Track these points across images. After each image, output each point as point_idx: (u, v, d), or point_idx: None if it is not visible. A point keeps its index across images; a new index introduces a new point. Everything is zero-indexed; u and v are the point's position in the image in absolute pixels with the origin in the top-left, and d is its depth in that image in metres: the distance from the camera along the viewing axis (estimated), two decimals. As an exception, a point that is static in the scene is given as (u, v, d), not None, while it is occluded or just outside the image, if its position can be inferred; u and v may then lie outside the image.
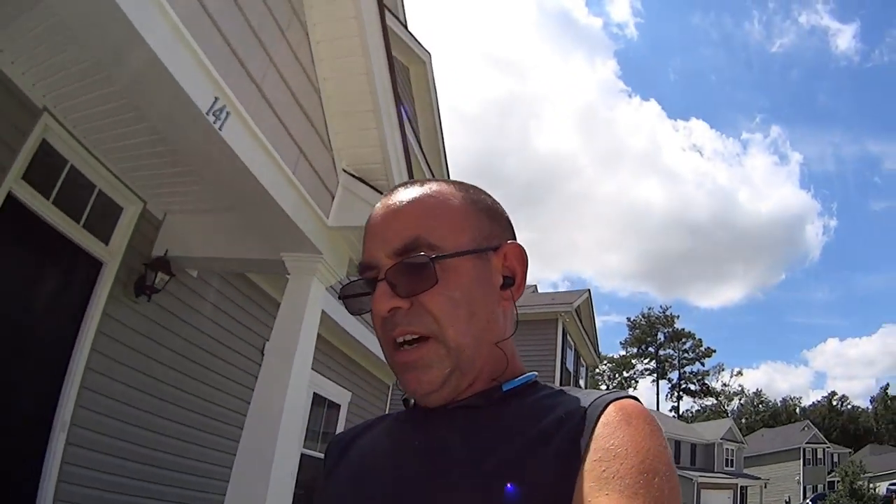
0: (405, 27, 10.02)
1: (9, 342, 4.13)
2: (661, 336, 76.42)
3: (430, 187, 0.87)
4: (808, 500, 40.36)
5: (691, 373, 77.85)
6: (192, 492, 5.74)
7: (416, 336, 0.79)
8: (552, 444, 0.70)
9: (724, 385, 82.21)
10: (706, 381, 78.56)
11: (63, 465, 4.47)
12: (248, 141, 3.38)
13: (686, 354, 75.81)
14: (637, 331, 77.69)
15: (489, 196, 0.93)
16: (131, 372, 5.06)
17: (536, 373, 0.89)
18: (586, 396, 0.76)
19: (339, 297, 0.92)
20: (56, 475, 4.41)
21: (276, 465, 3.69)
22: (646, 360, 77.56)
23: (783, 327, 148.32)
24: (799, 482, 53.58)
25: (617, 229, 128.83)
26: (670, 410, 74.91)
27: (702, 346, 75.09)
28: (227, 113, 3.19)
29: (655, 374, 77.43)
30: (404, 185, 0.89)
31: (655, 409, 65.78)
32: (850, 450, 61.57)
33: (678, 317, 76.94)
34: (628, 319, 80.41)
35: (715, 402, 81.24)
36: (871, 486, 40.12)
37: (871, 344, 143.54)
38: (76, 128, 4.34)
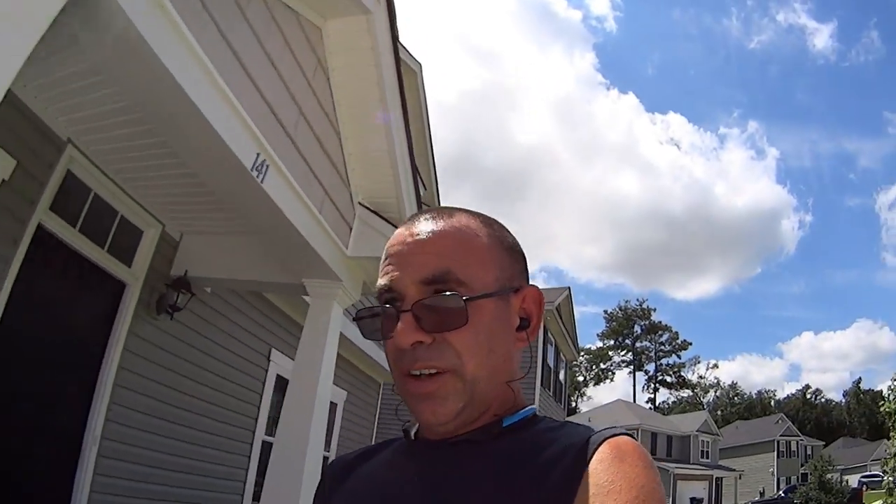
0: (397, 40, 10.37)
1: (42, 363, 4.46)
2: (637, 328, 77.63)
3: (459, 220, 0.87)
4: (781, 492, 41.31)
5: (667, 365, 79.29)
6: (213, 493, 6.21)
7: (435, 371, 0.79)
8: (547, 482, 0.71)
9: (700, 377, 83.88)
10: (682, 374, 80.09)
11: (95, 476, 4.84)
12: (284, 190, 3.77)
13: (662, 347, 77.15)
14: (614, 323, 78.81)
15: (510, 234, 0.95)
16: (155, 385, 5.44)
17: (536, 407, 0.91)
18: (582, 433, 0.78)
19: (355, 320, 0.91)
20: (89, 486, 4.78)
21: (306, 475, 4.12)
22: (622, 352, 78.81)
23: (759, 320, 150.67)
24: (773, 474, 55.08)
25: (594, 221, 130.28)
26: (647, 402, 76.37)
27: (678, 338, 76.47)
28: (267, 166, 3.56)
29: (632, 366, 78.72)
30: (428, 213, 0.90)
31: (632, 400, 66.92)
32: (822, 442, 63.38)
33: (654, 309, 78.22)
34: (605, 312, 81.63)
35: (691, 394, 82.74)
36: (844, 478, 41.33)
37: (845, 338, 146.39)
38: (99, 158, 4.65)
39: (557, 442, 0.77)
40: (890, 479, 20.23)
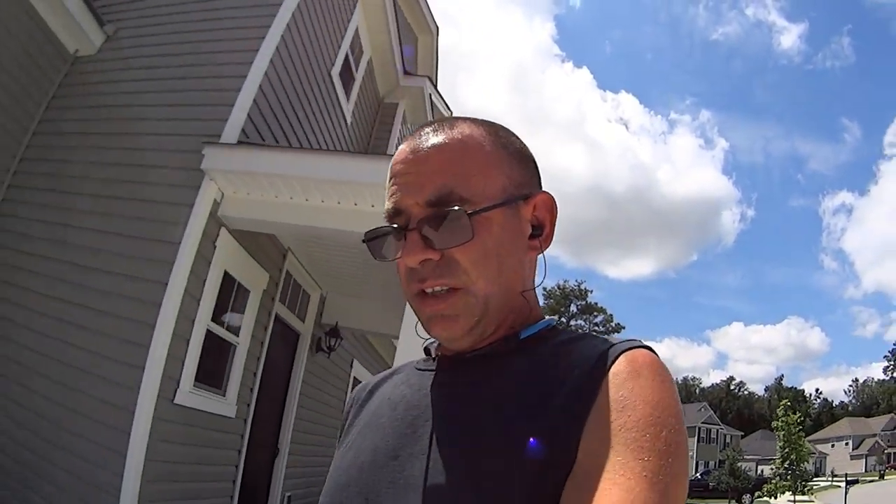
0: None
1: (263, 396, 6.79)
2: (573, 308, 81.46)
3: (461, 131, 0.87)
4: (698, 474, 45.75)
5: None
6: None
7: (445, 287, 0.81)
8: (561, 394, 0.73)
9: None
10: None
11: (285, 479, 7.30)
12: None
13: (596, 328, 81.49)
14: (551, 300, 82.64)
15: (518, 138, 0.94)
16: (317, 404, 8.00)
17: (555, 319, 0.93)
18: (600, 345, 0.78)
19: (364, 241, 0.91)
20: (282, 482, 7.23)
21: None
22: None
23: (690, 306, 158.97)
24: (692, 457, 60.50)
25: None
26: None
27: (612, 321, 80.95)
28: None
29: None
30: (432, 125, 0.89)
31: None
32: (741, 433, 69.67)
33: (591, 291, 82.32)
34: (544, 289, 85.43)
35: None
36: (759, 468, 46.37)
37: (774, 333, 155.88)
38: (301, 256, 7.03)
39: (574, 355, 0.78)
40: (778, 475, 25.34)
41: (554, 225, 0.93)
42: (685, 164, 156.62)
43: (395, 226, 0.84)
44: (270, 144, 5.78)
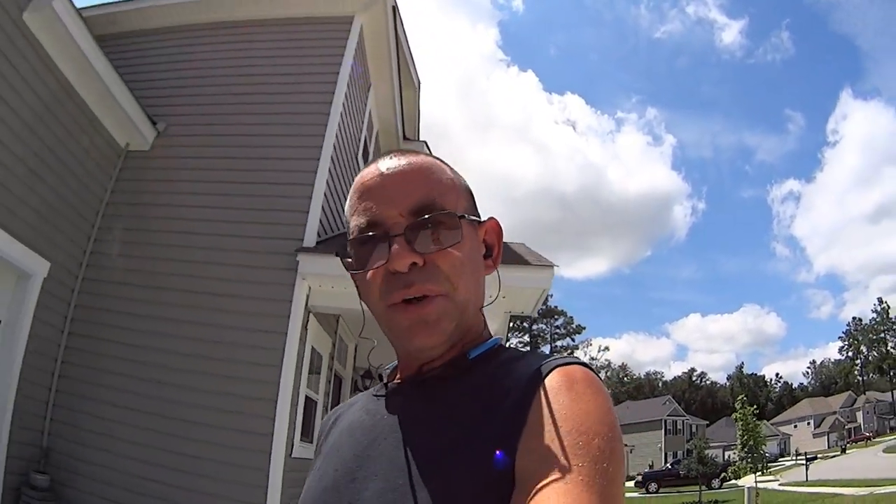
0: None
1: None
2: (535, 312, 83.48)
3: (425, 158, 0.96)
4: (668, 465, 47.63)
5: (562, 347, 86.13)
6: None
7: (426, 294, 0.86)
8: (500, 412, 0.78)
9: (593, 359, 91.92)
10: (575, 356, 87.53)
11: None
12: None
13: (558, 330, 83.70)
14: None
15: (462, 176, 1.03)
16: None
17: (501, 338, 1.00)
18: (534, 363, 0.83)
19: (338, 254, 0.97)
20: None
21: None
22: (519, 334, 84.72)
23: (647, 301, 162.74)
24: (661, 449, 63.44)
25: (485, 197, 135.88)
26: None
27: (573, 323, 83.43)
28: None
29: (528, 347, 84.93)
30: (392, 153, 0.96)
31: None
32: (706, 422, 72.68)
33: (552, 295, 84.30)
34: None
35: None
36: (726, 454, 48.81)
37: (732, 321, 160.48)
38: (348, 320, 8.35)
39: (514, 373, 0.83)
40: (740, 458, 28.17)
41: (501, 247, 1.02)
42: (634, 162, 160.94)
43: (376, 234, 0.88)
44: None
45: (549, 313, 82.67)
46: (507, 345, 1.05)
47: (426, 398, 0.89)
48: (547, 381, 0.78)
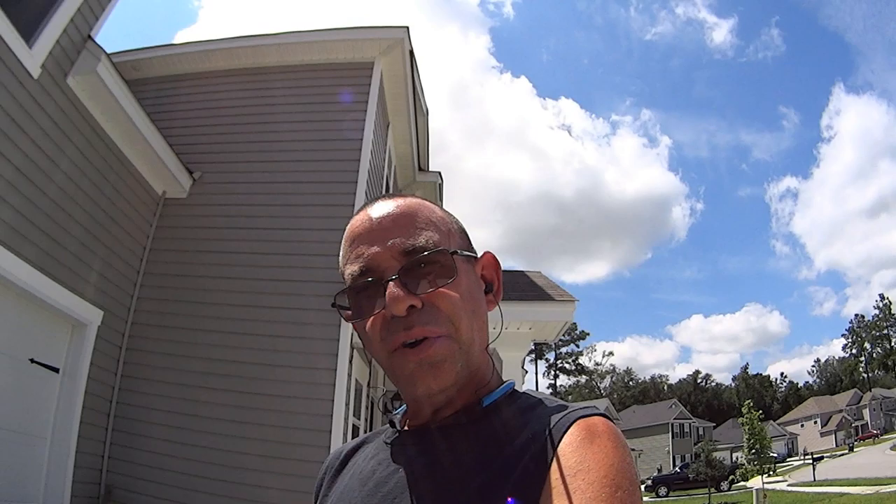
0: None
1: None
2: None
3: (413, 200, 0.98)
4: (676, 469, 48.03)
5: (566, 353, 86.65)
6: None
7: (427, 336, 0.85)
8: (520, 466, 0.77)
9: (597, 364, 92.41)
10: (580, 361, 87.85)
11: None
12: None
13: (562, 337, 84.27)
14: None
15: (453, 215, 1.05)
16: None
17: (514, 381, 0.98)
18: (555, 412, 0.84)
19: (333, 305, 0.95)
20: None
21: None
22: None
23: (649, 303, 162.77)
24: (669, 452, 63.83)
25: (484, 204, 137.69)
26: (547, 387, 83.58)
27: (577, 329, 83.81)
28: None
29: (533, 355, 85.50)
30: (380, 199, 0.98)
31: (535, 387, 73.12)
32: (713, 424, 73.19)
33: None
34: None
35: (588, 379, 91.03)
36: (734, 455, 49.33)
37: (734, 321, 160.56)
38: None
39: (532, 423, 0.83)
40: (747, 461, 30.90)
41: (501, 281, 1.02)
42: (631, 164, 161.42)
43: (371, 280, 0.88)
44: None
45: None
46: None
47: (439, 450, 0.88)
48: (569, 433, 0.78)
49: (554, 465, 0.75)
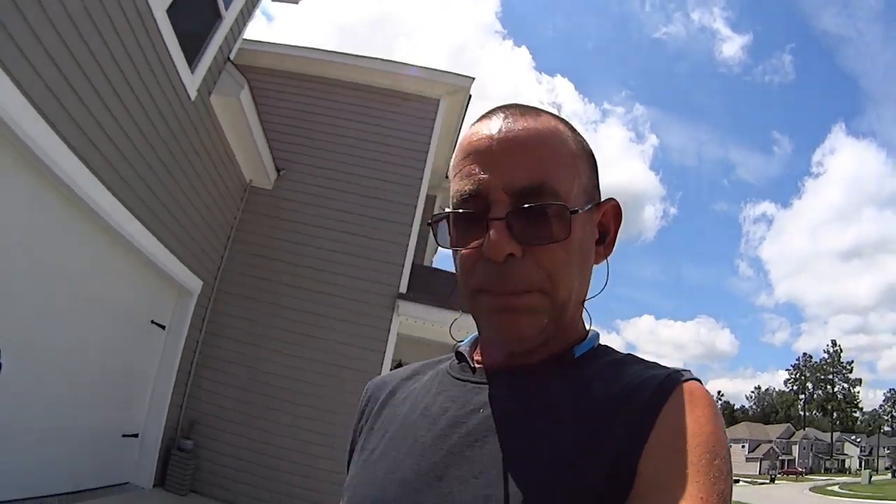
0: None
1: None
2: None
3: (548, 122, 0.87)
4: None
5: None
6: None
7: (519, 287, 0.81)
8: (621, 420, 0.76)
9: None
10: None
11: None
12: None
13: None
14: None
15: (587, 141, 0.95)
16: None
17: (598, 333, 0.96)
18: (653, 371, 0.83)
19: (429, 224, 0.90)
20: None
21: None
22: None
23: (603, 293, 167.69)
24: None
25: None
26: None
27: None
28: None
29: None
30: (510, 109, 0.88)
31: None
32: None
33: None
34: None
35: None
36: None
37: (685, 329, 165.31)
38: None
39: (628, 378, 0.81)
40: None
41: (618, 232, 0.96)
42: (613, 155, 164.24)
43: (474, 211, 0.82)
44: (423, 300, 9.34)
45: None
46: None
47: (529, 395, 0.84)
48: (674, 394, 0.77)
49: (658, 424, 0.74)
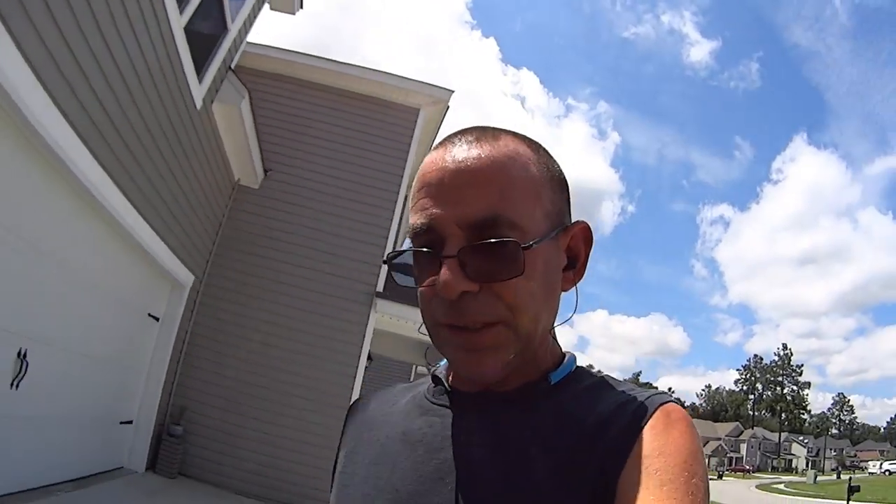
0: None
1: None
2: None
3: (507, 146, 0.84)
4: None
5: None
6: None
7: (478, 323, 0.80)
8: (599, 449, 0.77)
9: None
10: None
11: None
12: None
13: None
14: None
15: (555, 160, 0.93)
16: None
17: (575, 356, 0.96)
18: (631, 394, 0.84)
19: (385, 263, 0.90)
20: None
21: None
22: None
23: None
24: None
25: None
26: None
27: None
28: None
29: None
30: (469, 134, 0.86)
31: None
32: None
33: None
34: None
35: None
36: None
37: (638, 325, 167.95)
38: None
39: (605, 404, 0.82)
40: None
41: (588, 256, 0.93)
42: (574, 149, 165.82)
43: (428, 249, 0.81)
44: (398, 299, 10.06)
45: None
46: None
47: (504, 423, 0.85)
48: (654, 417, 0.78)
49: (636, 445, 0.75)
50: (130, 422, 8.12)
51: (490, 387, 0.88)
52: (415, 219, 0.83)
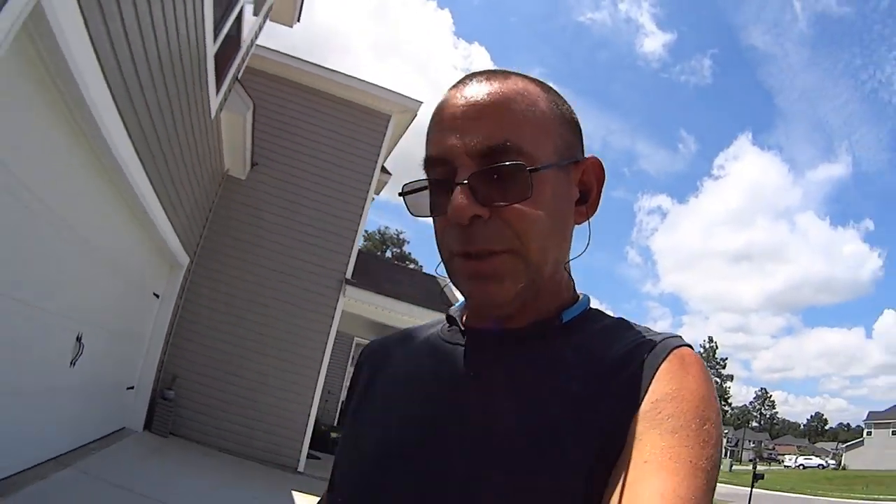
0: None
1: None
2: (389, 254, 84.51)
3: (516, 84, 0.89)
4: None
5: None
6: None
7: (487, 250, 0.82)
8: (613, 388, 0.79)
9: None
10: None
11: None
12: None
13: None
14: (369, 242, 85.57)
15: (567, 102, 0.96)
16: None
17: (589, 297, 0.98)
18: (645, 337, 0.85)
19: (400, 195, 0.92)
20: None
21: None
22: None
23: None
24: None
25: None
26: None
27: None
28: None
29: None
30: (480, 74, 0.90)
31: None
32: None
33: (408, 242, 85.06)
34: (366, 232, 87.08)
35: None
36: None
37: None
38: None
39: (620, 344, 0.84)
40: None
41: (600, 192, 0.96)
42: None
43: (440, 178, 0.85)
44: (365, 287, 11.71)
45: (402, 258, 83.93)
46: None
47: (517, 361, 0.87)
48: (668, 359, 0.80)
49: (652, 387, 0.77)
50: (132, 387, 9.39)
51: (503, 323, 0.90)
52: (429, 152, 0.88)
